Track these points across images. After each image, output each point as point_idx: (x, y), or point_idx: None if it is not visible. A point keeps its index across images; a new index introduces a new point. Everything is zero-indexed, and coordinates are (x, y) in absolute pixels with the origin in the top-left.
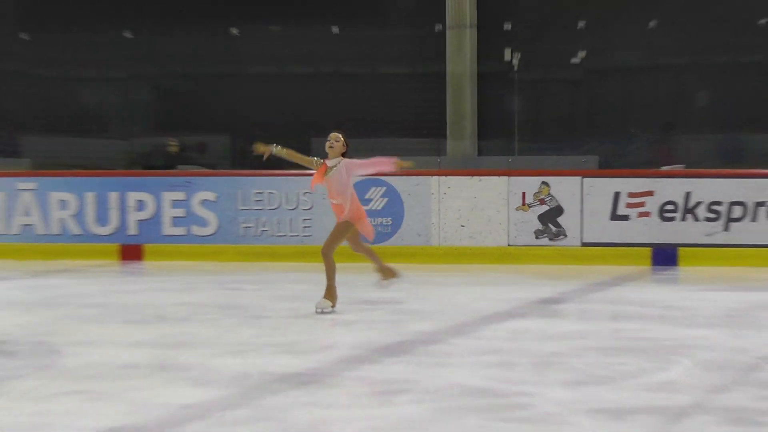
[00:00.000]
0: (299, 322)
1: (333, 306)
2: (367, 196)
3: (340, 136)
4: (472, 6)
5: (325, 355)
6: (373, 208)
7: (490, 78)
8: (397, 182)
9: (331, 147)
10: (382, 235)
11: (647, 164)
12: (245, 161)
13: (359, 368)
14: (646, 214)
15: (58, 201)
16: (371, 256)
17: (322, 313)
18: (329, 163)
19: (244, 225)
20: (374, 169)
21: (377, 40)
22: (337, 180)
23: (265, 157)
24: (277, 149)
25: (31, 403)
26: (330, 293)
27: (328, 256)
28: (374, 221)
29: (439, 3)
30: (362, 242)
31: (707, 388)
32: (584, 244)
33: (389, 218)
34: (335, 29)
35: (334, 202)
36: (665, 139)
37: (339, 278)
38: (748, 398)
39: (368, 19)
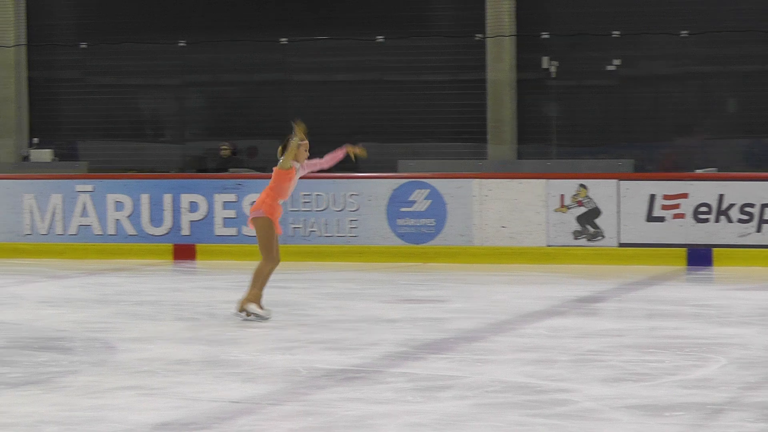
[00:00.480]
0: (345, 320)
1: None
2: (410, 198)
3: None
4: (510, 16)
5: (370, 351)
6: (417, 209)
7: (528, 85)
8: (439, 185)
9: (306, 151)
10: (426, 236)
11: (678, 168)
12: None
13: (403, 365)
14: (680, 216)
15: (115, 202)
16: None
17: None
18: (296, 165)
19: (293, 226)
20: (329, 165)
21: (420, 49)
22: (296, 181)
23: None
24: (296, 138)
25: (86, 398)
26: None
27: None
28: (417, 222)
29: (479, 13)
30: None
31: (742, 385)
32: (621, 245)
33: (432, 219)
34: (380, 39)
35: (281, 202)
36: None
37: (382, 276)
38: None
39: (411, 29)
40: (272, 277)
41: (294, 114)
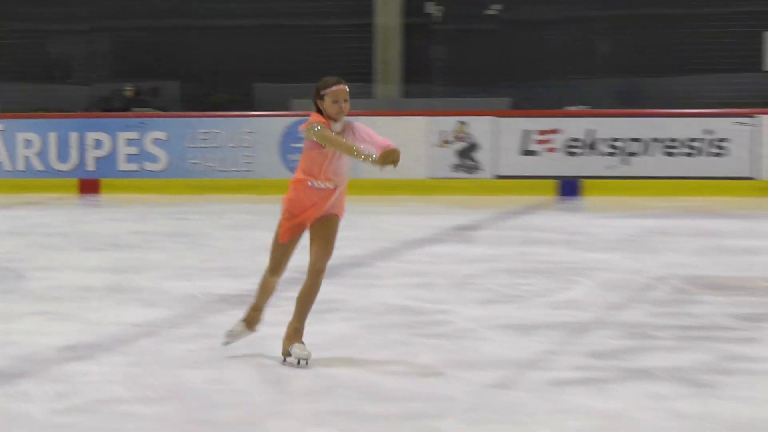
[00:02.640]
0: (240, 248)
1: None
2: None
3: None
4: None
5: None
6: None
7: (414, 29)
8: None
9: (341, 111)
10: None
11: (555, 107)
12: (194, 104)
13: (294, 289)
14: (553, 150)
15: (24, 140)
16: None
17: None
18: (336, 128)
19: (192, 161)
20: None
21: None
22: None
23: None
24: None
25: None
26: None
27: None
28: None
29: None
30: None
31: (606, 306)
32: (497, 177)
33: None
34: None
35: (323, 186)
36: None
37: (276, 208)
38: (642, 314)
39: None
40: (173, 209)
41: (195, 57)
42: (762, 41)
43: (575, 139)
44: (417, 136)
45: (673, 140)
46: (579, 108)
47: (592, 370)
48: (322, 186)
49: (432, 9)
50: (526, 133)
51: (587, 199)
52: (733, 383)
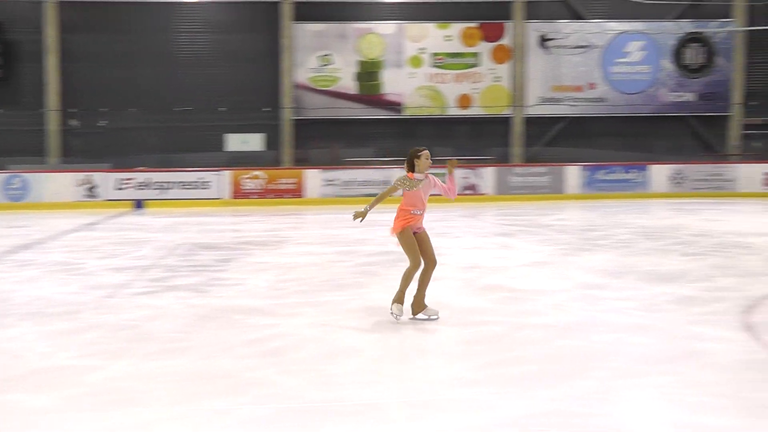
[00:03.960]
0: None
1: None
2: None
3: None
4: (58, 96)
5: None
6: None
7: (70, 132)
8: (29, 175)
9: (430, 165)
10: (20, 197)
11: (133, 166)
12: None
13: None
14: (131, 186)
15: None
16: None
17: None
18: (417, 176)
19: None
20: (452, 193)
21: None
22: (425, 192)
23: (361, 220)
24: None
25: None
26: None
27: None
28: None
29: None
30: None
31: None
32: (106, 200)
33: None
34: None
35: (417, 213)
36: None
37: None
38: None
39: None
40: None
41: None
42: (223, 139)
43: (141, 182)
44: (70, 184)
45: (185, 182)
46: (141, 167)
47: (154, 287)
48: (418, 212)
49: (72, 123)
50: (118, 181)
51: (148, 210)
52: (226, 286)
